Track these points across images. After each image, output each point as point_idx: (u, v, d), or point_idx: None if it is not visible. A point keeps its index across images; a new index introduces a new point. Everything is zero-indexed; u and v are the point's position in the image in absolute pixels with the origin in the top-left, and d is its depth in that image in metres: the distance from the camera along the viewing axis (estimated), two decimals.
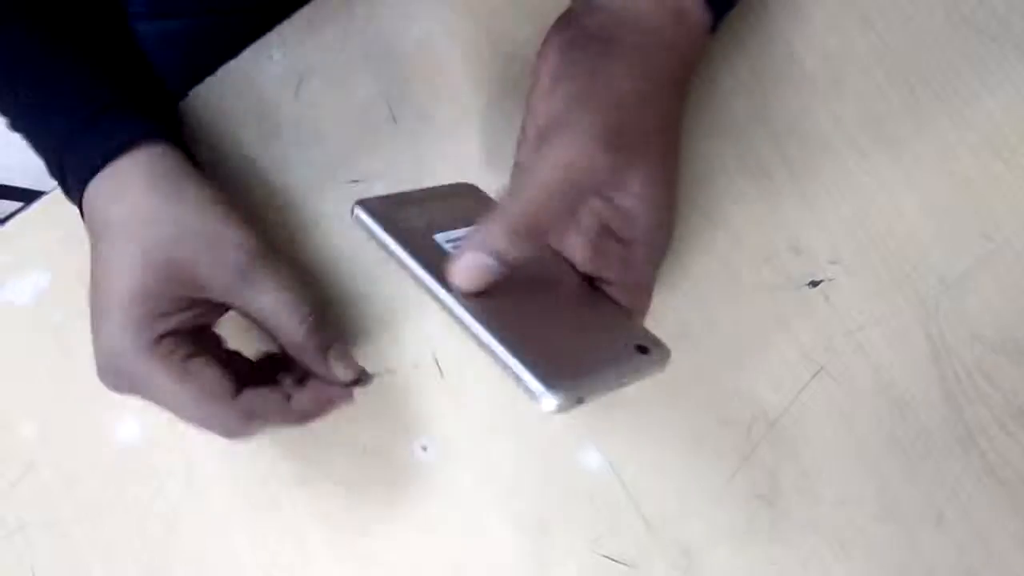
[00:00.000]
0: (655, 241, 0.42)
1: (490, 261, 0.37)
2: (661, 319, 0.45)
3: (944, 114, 0.46)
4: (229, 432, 0.42)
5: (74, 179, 0.43)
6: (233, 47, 0.52)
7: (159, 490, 0.49)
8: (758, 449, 0.46)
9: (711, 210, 0.47)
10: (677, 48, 0.42)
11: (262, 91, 0.51)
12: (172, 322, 0.41)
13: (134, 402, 0.49)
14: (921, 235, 0.46)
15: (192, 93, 0.51)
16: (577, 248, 0.42)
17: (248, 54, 0.51)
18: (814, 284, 0.46)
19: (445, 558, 0.47)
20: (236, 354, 0.46)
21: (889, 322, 0.46)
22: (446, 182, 0.45)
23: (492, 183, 0.49)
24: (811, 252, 0.46)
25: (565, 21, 0.43)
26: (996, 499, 0.44)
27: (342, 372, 0.43)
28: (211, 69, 0.51)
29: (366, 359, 0.47)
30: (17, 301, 0.51)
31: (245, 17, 0.55)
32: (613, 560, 0.46)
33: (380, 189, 0.49)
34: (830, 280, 0.46)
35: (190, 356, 0.41)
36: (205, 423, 0.42)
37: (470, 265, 0.37)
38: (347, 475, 0.48)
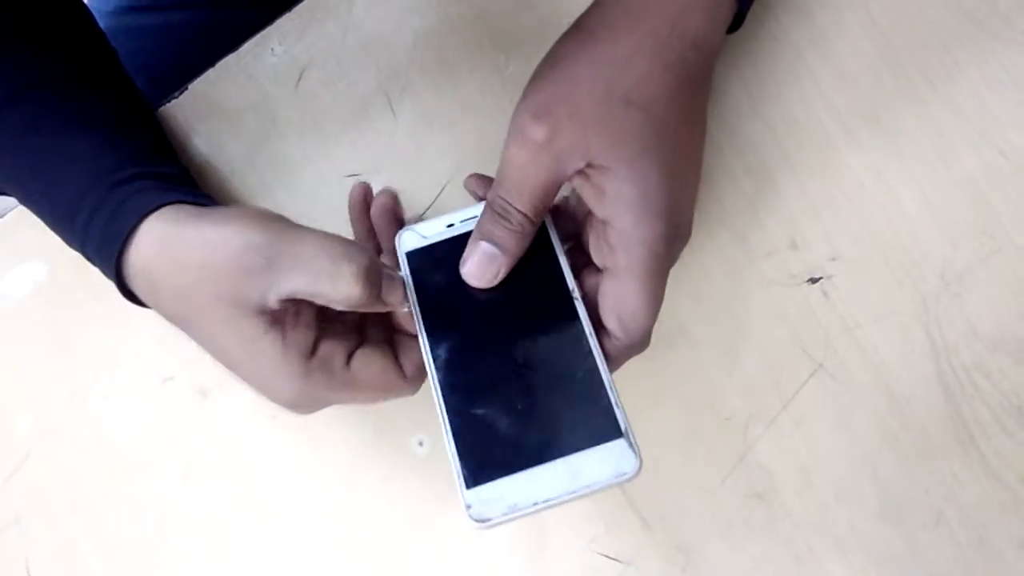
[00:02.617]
0: (634, 217, 0.38)
1: (492, 249, 0.39)
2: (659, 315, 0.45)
3: (946, 110, 0.46)
4: (414, 391, 0.41)
5: (101, 259, 0.43)
6: (237, 40, 0.52)
7: (156, 485, 0.48)
8: (755, 447, 0.45)
9: (710, 206, 0.47)
10: (649, 13, 0.40)
11: (262, 84, 0.51)
12: (298, 343, 0.39)
13: (130, 396, 0.49)
14: (921, 232, 0.46)
15: (191, 86, 0.51)
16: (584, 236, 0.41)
17: (248, 47, 0.51)
18: (813, 281, 0.46)
19: (441, 554, 0.46)
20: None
21: (888, 319, 0.45)
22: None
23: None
24: (810, 248, 0.46)
25: None
26: (995, 499, 0.44)
27: (395, 295, 0.40)
28: (215, 62, 0.51)
29: None
30: (15, 294, 0.51)
31: (249, 11, 0.55)
32: (610, 558, 0.45)
33: (379, 183, 0.49)
34: (829, 277, 0.46)
35: (349, 358, 0.40)
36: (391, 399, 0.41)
37: (475, 258, 0.39)
38: (343, 470, 0.47)
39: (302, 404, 0.40)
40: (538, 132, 0.38)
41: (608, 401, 0.37)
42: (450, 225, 0.42)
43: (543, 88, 0.40)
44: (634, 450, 0.36)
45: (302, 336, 0.39)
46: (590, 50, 0.40)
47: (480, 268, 0.39)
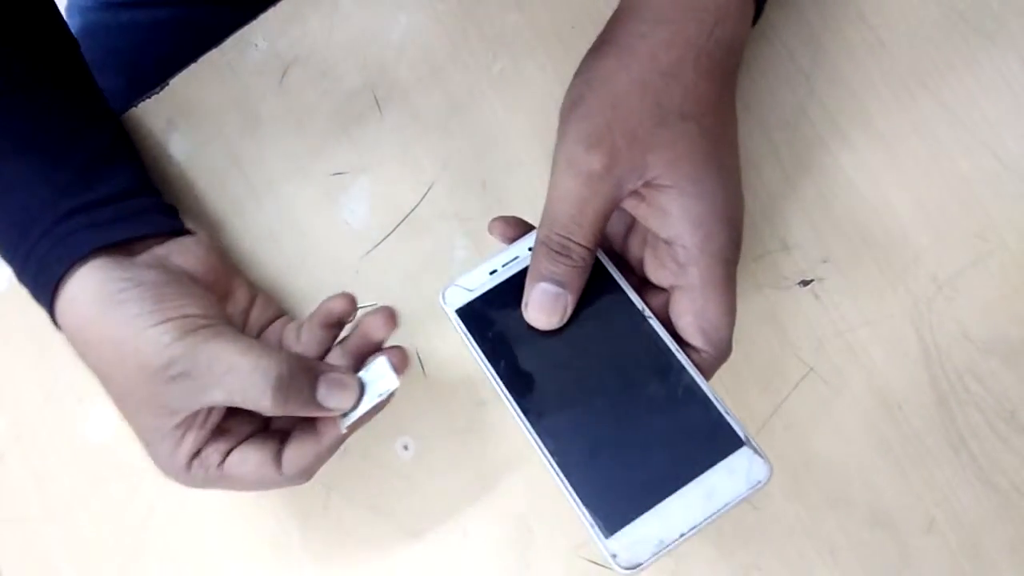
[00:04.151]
0: (705, 233, 0.37)
1: (555, 289, 0.37)
2: None
3: (939, 112, 0.46)
4: (298, 484, 0.42)
5: (39, 289, 0.43)
6: (220, 38, 0.51)
7: (134, 489, 0.47)
8: None
9: None
10: (685, 21, 0.39)
11: (245, 80, 0.50)
12: (189, 443, 0.40)
13: (107, 397, 0.48)
14: (914, 234, 0.45)
15: (173, 81, 0.50)
16: (641, 257, 0.40)
17: (232, 42, 0.50)
18: (805, 283, 0.46)
19: (426, 559, 0.45)
20: None
21: (881, 323, 0.45)
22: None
23: (479, 176, 0.48)
24: (803, 250, 0.46)
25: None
26: (987, 505, 0.43)
27: (341, 401, 0.40)
28: (197, 59, 0.50)
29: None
30: None
31: (233, 8, 0.54)
32: (597, 564, 0.45)
33: (364, 182, 0.48)
34: (821, 279, 0.46)
35: (224, 457, 0.40)
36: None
37: (538, 300, 0.38)
38: (327, 474, 0.46)
39: (188, 485, 0.42)
40: (595, 162, 0.37)
41: (718, 412, 0.36)
42: (493, 272, 0.40)
43: (591, 115, 0.38)
44: (761, 455, 0.35)
45: (194, 438, 0.40)
46: (632, 68, 0.38)
47: (546, 310, 0.38)
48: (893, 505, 0.44)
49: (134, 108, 0.50)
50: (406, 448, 0.46)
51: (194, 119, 0.49)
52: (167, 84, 0.50)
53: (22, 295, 0.49)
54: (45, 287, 0.41)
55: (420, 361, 0.47)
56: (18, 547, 0.47)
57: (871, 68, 0.47)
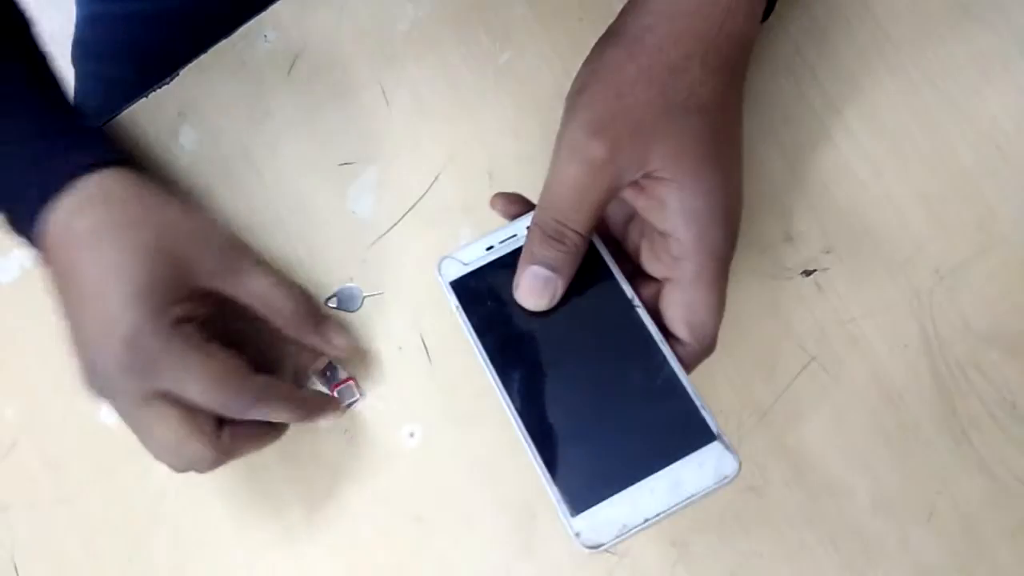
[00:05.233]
0: (701, 228, 0.38)
1: (546, 272, 0.38)
2: None
3: (942, 105, 0.46)
4: (241, 412, 0.41)
5: (33, 199, 0.42)
6: (229, 29, 0.51)
7: (144, 473, 0.48)
8: (748, 440, 0.45)
9: None
10: (694, 15, 0.39)
11: (255, 71, 0.50)
12: (184, 309, 0.41)
13: None
14: (917, 226, 0.46)
15: (183, 72, 0.50)
16: (636, 246, 0.41)
17: (241, 33, 0.50)
18: (807, 273, 0.46)
19: (431, 544, 0.46)
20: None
21: (882, 313, 0.45)
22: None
23: (485, 167, 0.48)
24: (805, 241, 0.46)
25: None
26: (987, 494, 0.44)
27: (339, 340, 0.45)
28: (206, 49, 0.51)
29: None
30: (2, 280, 0.50)
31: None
32: None
33: (371, 172, 0.49)
34: (824, 270, 0.46)
35: (207, 341, 0.41)
36: (222, 402, 0.41)
37: (528, 283, 0.38)
38: (334, 461, 0.47)
39: (144, 352, 0.41)
40: (598, 149, 0.37)
41: (694, 406, 0.37)
42: (489, 248, 0.40)
43: (596, 103, 0.38)
44: (731, 451, 0.36)
45: (183, 309, 0.42)
46: (639, 60, 0.38)
47: (535, 292, 0.38)
48: (894, 494, 0.44)
49: (144, 99, 0.50)
50: (412, 435, 0.47)
51: (204, 110, 0.50)
52: (177, 75, 0.50)
53: (34, 282, 0.50)
54: (70, 165, 0.42)
55: (426, 349, 0.47)
56: (30, 531, 0.48)
57: (875, 60, 0.47)
